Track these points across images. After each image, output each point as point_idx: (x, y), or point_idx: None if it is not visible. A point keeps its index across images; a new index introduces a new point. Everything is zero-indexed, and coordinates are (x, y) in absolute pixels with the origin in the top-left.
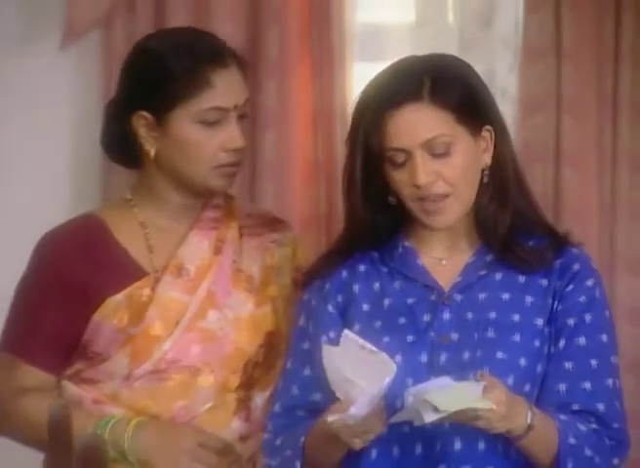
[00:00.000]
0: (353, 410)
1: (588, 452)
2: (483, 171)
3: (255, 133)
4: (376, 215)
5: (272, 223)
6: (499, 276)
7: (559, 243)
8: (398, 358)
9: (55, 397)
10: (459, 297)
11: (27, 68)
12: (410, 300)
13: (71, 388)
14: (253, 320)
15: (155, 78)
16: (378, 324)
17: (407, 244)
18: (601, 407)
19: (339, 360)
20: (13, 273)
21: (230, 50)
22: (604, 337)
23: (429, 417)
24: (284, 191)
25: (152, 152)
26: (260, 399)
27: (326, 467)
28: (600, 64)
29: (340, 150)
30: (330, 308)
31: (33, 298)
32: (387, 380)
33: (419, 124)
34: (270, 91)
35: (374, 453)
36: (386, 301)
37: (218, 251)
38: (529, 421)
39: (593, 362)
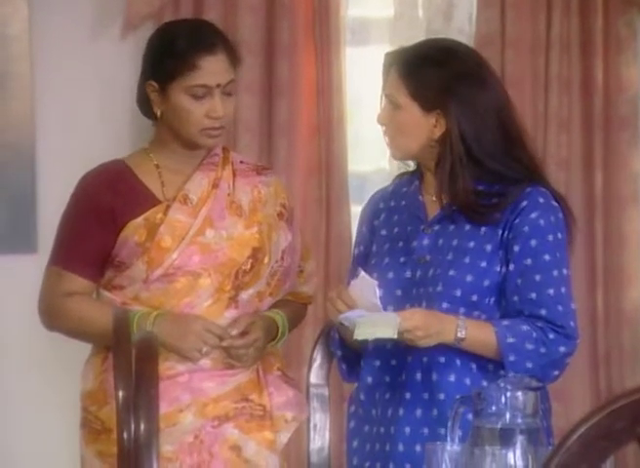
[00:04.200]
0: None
1: (530, 346)
2: (432, 140)
3: (271, 101)
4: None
5: (260, 169)
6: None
7: (516, 187)
8: (391, 274)
9: (96, 298)
10: (436, 227)
11: (95, 53)
12: (409, 228)
13: (106, 294)
14: (242, 238)
15: (160, 57)
16: (386, 246)
17: (416, 182)
18: (544, 312)
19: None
20: None
21: (223, 41)
22: (546, 257)
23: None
24: (293, 145)
25: (159, 113)
26: (245, 295)
27: None
28: (535, 49)
29: (336, 114)
30: (364, 229)
31: (73, 222)
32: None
33: (389, 80)
34: (283, 69)
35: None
36: (395, 229)
37: (215, 186)
38: (457, 335)
39: (537, 277)
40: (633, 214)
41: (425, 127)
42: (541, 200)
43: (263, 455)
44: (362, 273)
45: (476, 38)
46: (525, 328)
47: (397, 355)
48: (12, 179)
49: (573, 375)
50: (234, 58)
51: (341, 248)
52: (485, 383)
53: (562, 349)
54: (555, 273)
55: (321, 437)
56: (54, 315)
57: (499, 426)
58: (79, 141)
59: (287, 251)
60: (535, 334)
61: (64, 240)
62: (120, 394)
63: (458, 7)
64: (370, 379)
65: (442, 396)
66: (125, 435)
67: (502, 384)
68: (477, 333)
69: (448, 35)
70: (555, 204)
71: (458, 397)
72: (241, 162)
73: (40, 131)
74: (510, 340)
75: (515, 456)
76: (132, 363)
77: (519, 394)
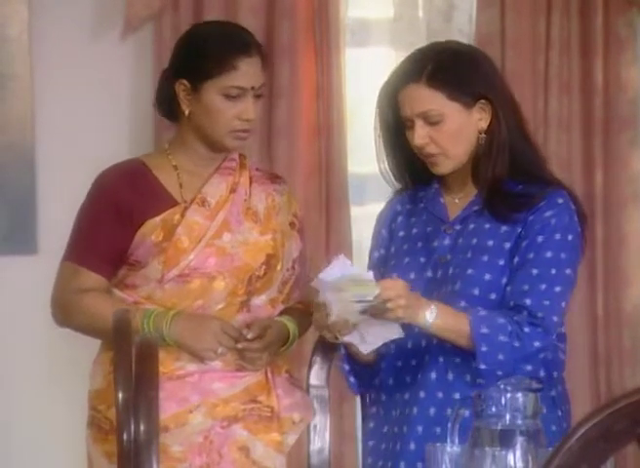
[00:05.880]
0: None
1: (504, 338)
2: (480, 133)
3: (271, 102)
4: (416, 164)
5: (274, 178)
6: (486, 211)
7: (540, 188)
8: (412, 275)
9: (109, 295)
10: (458, 227)
11: (95, 55)
12: (428, 229)
13: (117, 293)
14: (257, 243)
15: (196, 57)
16: (405, 246)
17: (436, 185)
18: (528, 301)
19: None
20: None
21: (256, 44)
22: (548, 254)
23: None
24: (293, 147)
25: (187, 112)
26: (257, 300)
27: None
28: (534, 50)
29: (337, 116)
30: (383, 232)
31: (90, 219)
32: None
33: (416, 99)
34: (283, 70)
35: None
36: (414, 230)
37: (233, 190)
38: (426, 317)
39: (534, 271)
40: (633, 214)
41: (473, 124)
42: (560, 200)
43: (271, 457)
44: (330, 266)
45: (476, 39)
46: (501, 320)
47: (417, 355)
48: (12, 180)
49: (573, 376)
50: (266, 62)
51: (341, 249)
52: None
53: (536, 344)
54: (553, 271)
55: (321, 438)
56: (67, 311)
57: (499, 427)
58: (79, 142)
59: (297, 260)
60: (510, 328)
61: (81, 236)
62: (120, 395)
63: (458, 8)
64: (391, 380)
65: (457, 395)
66: (125, 436)
67: (502, 385)
68: (449, 320)
69: (448, 36)
70: (573, 206)
71: (458, 398)
72: (257, 169)
73: (40, 132)
74: (484, 331)
75: (515, 458)
76: (132, 364)
77: (519, 395)
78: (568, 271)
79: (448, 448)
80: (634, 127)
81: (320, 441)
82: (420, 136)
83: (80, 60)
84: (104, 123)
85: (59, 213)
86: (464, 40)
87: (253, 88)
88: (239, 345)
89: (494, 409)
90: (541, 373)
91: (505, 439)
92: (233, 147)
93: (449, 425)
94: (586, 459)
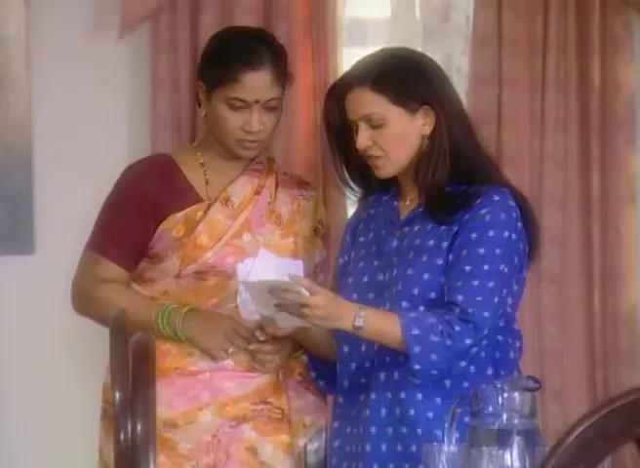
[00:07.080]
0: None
1: (435, 338)
2: (423, 138)
3: None
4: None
5: (301, 183)
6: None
7: (478, 187)
8: (365, 278)
9: (128, 288)
10: (406, 229)
11: (92, 54)
12: (382, 232)
13: (136, 288)
14: (277, 246)
15: (209, 63)
16: (362, 252)
17: (393, 189)
18: (460, 297)
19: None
20: (78, 208)
21: (271, 57)
22: (481, 250)
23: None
24: (291, 145)
25: (203, 113)
26: None
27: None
28: (532, 50)
29: None
30: (347, 238)
31: (116, 210)
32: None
33: (360, 102)
34: None
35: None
36: (371, 234)
37: (257, 192)
38: (354, 323)
39: (467, 268)
40: (630, 214)
41: (416, 129)
42: (496, 198)
43: (279, 459)
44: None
45: (473, 39)
46: (431, 320)
47: (370, 358)
48: (9, 181)
49: (569, 376)
50: (280, 76)
51: (339, 250)
52: (448, 383)
53: (468, 341)
54: (486, 267)
55: (318, 437)
56: (84, 299)
57: (495, 427)
58: (76, 142)
59: (320, 266)
60: (441, 327)
61: (105, 226)
62: (117, 395)
63: (455, 8)
64: (346, 382)
65: (403, 395)
66: (122, 435)
67: (499, 385)
68: (378, 324)
69: (445, 36)
70: (512, 203)
71: (456, 398)
72: (284, 173)
73: (37, 132)
74: (415, 332)
75: (512, 457)
76: (128, 364)
77: (516, 395)
78: (502, 267)
79: (445, 448)
80: (631, 127)
81: (317, 440)
82: (362, 138)
83: (77, 60)
84: (102, 123)
85: (56, 213)
86: (461, 40)
87: (257, 101)
88: (250, 346)
89: (491, 408)
90: (489, 372)
91: (502, 438)
92: (243, 156)
93: (446, 424)
94: (584, 459)
